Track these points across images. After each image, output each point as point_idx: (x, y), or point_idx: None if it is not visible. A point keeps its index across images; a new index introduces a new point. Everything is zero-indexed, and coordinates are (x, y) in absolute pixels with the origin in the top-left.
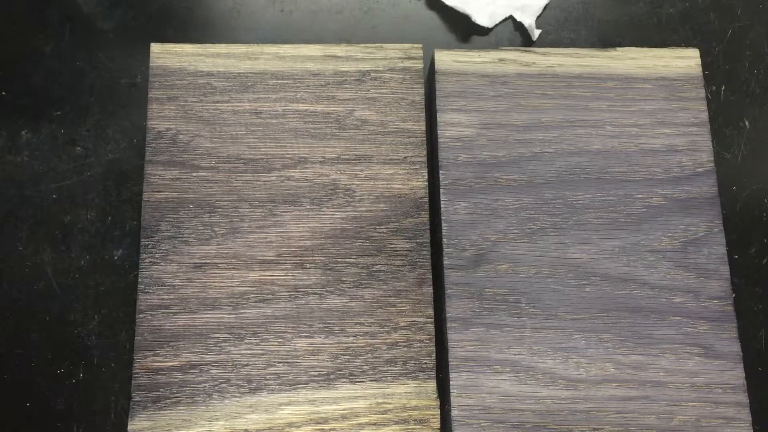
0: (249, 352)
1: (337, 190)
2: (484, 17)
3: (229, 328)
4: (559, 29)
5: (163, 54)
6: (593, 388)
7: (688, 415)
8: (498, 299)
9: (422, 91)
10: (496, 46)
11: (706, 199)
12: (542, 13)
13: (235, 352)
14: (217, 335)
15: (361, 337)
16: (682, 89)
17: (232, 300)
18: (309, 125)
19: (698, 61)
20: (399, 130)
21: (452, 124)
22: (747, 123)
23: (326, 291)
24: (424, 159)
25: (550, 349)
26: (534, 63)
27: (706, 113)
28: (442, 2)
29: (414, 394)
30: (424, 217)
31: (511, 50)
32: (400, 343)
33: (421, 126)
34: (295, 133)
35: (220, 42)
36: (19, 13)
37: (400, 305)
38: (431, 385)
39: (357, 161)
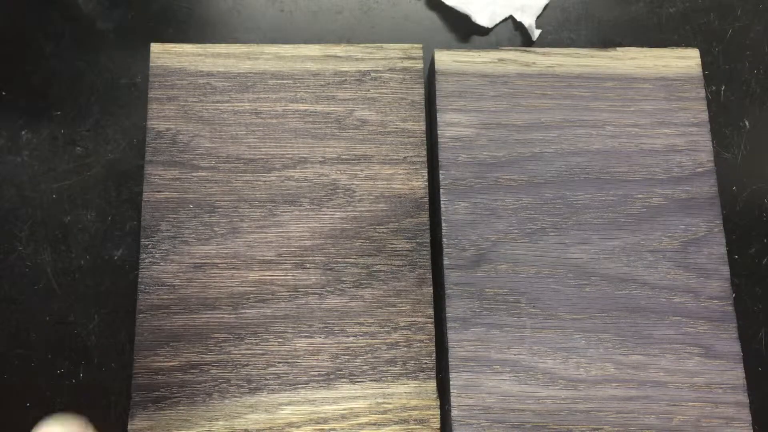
0: (249, 352)
1: (337, 190)
2: (484, 17)
3: (229, 328)
4: (559, 29)
5: (163, 54)
6: (593, 388)
7: (688, 415)
8: (498, 299)
9: (422, 91)
10: (496, 46)
11: (706, 199)
12: (542, 13)
13: (235, 352)
14: (217, 335)
15: (361, 337)
16: (682, 89)
17: (232, 300)
18: (309, 125)
19: (698, 61)
20: (399, 130)
21: (452, 124)
22: (747, 123)
23: (326, 291)
24: (424, 159)
25: (550, 349)
26: (534, 63)
27: (706, 113)
28: (442, 2)
29: (414, 394)
30: (424, 217)
31: (511, 50)
32: (400, 343)
33: (421, 126)
34: (295, 133)
35: (220, 42)
36: (19, 13)
37: (400, 305)
38: (431, 385)
39: (357, 161)
